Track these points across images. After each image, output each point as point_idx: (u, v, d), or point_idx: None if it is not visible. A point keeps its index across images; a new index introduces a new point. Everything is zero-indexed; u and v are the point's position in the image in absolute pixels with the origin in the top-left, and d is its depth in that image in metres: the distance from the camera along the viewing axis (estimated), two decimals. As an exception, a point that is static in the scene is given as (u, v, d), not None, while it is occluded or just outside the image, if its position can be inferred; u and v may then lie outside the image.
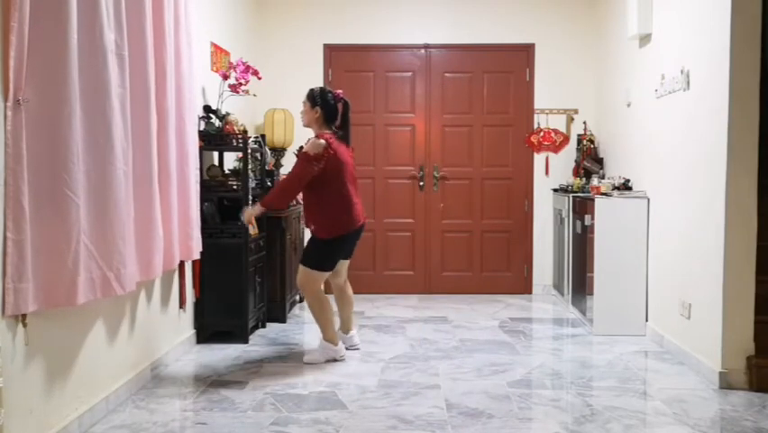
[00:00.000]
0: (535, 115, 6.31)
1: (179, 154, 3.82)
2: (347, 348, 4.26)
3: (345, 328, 4.38)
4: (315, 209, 4.01)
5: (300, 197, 4.34)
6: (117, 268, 2.92)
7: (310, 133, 6.26)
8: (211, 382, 3.68)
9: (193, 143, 3.97)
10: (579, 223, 5.20)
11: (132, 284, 3.10)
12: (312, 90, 4.06)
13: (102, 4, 2.84)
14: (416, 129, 6.35)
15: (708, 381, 3.70)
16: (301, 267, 4.07)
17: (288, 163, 6.11)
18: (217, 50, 4.93)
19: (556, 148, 6.32)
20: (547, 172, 6.33)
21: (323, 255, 4.03)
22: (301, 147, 4.09)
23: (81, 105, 2.69)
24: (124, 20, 3.07)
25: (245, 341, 4.44)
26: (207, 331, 4.46)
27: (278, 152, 5.99)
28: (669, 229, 4.35)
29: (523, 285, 6.39)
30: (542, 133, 6.31)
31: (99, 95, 2.83)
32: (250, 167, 4.60)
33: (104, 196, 2.86)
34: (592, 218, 4.82)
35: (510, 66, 6.34)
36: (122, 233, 2.96)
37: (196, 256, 4.05)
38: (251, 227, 4.49)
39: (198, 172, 4.10)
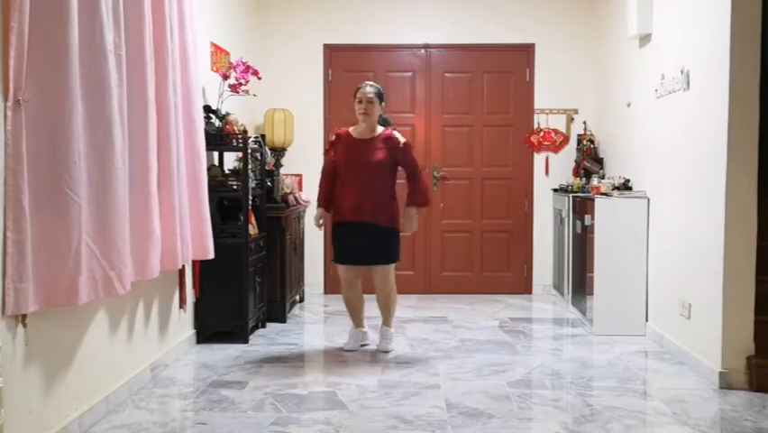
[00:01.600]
0: (535, 115, 6.31)
1: (191, 153, 3.82)
2: (362, 346, 4.41)
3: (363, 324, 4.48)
4: (387, 199, 4.15)
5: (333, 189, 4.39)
6: (119, 267, 2.91)
7: (311, 134, 6.31)
8: (211, 382, 3.68)
9: (202, 143, 3.98)
10: (579, 223, 5.20)
11: (128, 284, 3.09)
12: (377, 87, 4.22)
13: (102, 3, 2.83)
14: (415, 129, 6.34)
15: (708, 381, 3.70)
16: (385, 267, 4.21)
17: (288, 163, 6.13)
18: (217, 50, 4.93)
19: (556, 148, 6.32)
20: (547, 172, 6.33)
21: (399, 245, 4.29)
22: (405, 143, 4.21)
23: (81, 105, 2.69)
24: (122, 20, 3.06)
25: (245, 341, 4.44)
26: (207, 331, 4.46)
27: (278, 151, 5.98)
28: (669, 229, 4.35)
29: (523, 285, 6.39)
30: (542, 133, 6.31)
31: (99, 94, 2.82)
32: (250, 167, 4.60)
33: (104, 195, 2.85)
34: (592, 218, 4.82)
35: (510, 66, 6.34)
36: (122, 232, 2.96)
37: (212, 255, 4.04)
38: (251, 227, 4.52)
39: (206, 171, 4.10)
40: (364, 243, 4.13)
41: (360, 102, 4.14)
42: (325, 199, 4.31)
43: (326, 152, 4.27)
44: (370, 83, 4.24)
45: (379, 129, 4.20)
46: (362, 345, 4.38)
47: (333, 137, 4.30)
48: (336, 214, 4.22)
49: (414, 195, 4.22)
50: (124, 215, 3.02)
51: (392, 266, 4.25)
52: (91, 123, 2.77)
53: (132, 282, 3.19)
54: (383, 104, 4.21)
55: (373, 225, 4.10)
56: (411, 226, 4.29)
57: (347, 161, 4.15)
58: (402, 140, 4.19)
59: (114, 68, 2.96)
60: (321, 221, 4.38)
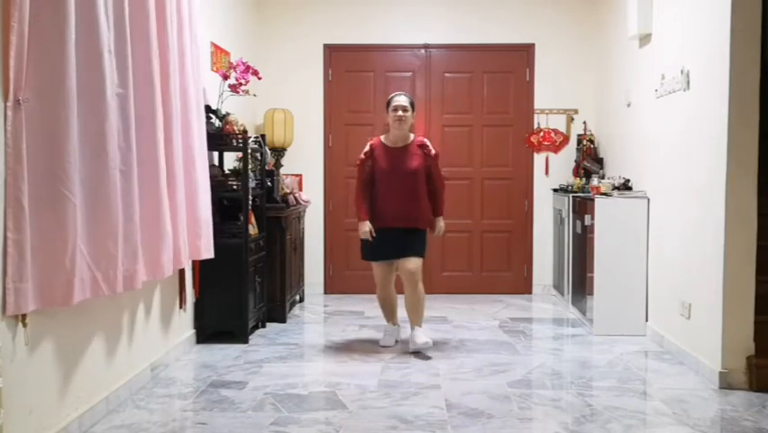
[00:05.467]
0: (535, 115, 6.31)
1: (185, 154, 3.81)
2: (396, 342, 4.53)
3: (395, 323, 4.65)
4: (425, 203, 4.35)
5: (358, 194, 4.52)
6: (105, 268, 2.88)
7: (311, 134, 6.30)
8: (211, 382, 3.68)
9: (200, 143, 3.96)
10: (579, 223, 5.20)
11: (138, 283, 3.12)
12: (409, 96, 4.46)
13: (100, 3, 2.83)
14: (415, 129, 6.32)
15: (708, 381, 3.70)
16: (418, 259, 4.32)
17: (288, 163, 6.13)
18: (217, 50, 4.93)
19: (556, 148, 6.32)
20: (547, 172, 6.33)
21: (426, 243, 4.43)
22: (436, 153, 4.43)
23: (79, 105, 2.68)
24: (127, 20, 3.06)
25: (245, 341, 4.44)
26: (207, 331, 4.46)
27: (278, 151, 5.99)
28: (669, 229, 4.35)
29: (523, 285, 6.39)
30: (542, 133, 6.31)
31: (96, 95, 2.82)
32: (250, 167, 4.60)
33: (95, 196, 2.84)
34: (592, 218, 4.82)
35: (510, 66, 6.34)
36: (114, 233, 2.92)
37: (208, 255, 4.02)
38: (251, 227, 4.52)
39: (207, 171, 4.09)
40: (399, 241, 4.29)
41: (395, 110, 4.32)
42: (366, 212, 4.35)
43: (360, 163, 4.41)
44: (403, 93, 4.49)
45: (411, 136, 4.42)
46: (397, 341, 4.52)
47: (368, 148, 4.41)
48: (373, 220, 4.33)
49: (438, 207, 4.44)
50: (122, 216, 3.01)
51: (422, 259, 4.37)
52: (87, 123, 2.77)
53: (144, 282, 3.20)
54: (414, 113, 4.42)
55: (411, 229, 4.30)
56: (440, 231, 4.50)
57: (386, 169, 4.32)
58: (434, 150, 4.42)
59: (113, 68, 2.96)
60: (368, 228, 4.31)
